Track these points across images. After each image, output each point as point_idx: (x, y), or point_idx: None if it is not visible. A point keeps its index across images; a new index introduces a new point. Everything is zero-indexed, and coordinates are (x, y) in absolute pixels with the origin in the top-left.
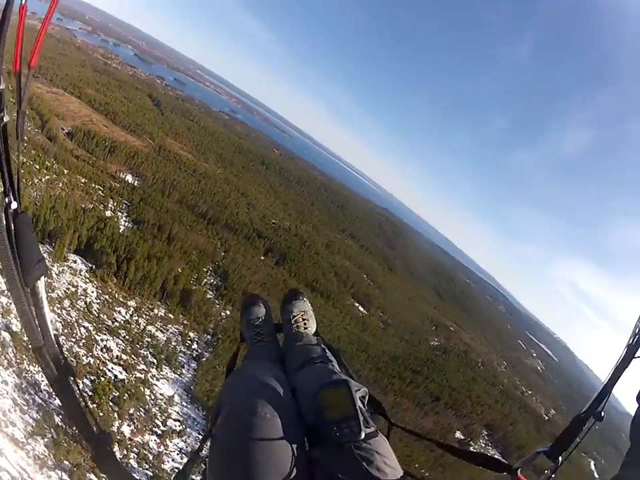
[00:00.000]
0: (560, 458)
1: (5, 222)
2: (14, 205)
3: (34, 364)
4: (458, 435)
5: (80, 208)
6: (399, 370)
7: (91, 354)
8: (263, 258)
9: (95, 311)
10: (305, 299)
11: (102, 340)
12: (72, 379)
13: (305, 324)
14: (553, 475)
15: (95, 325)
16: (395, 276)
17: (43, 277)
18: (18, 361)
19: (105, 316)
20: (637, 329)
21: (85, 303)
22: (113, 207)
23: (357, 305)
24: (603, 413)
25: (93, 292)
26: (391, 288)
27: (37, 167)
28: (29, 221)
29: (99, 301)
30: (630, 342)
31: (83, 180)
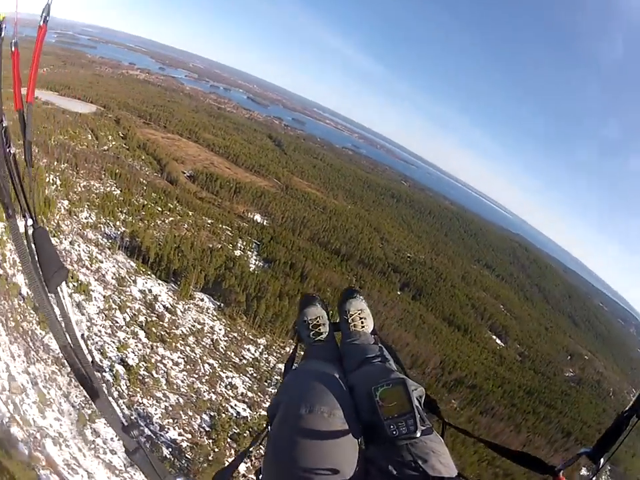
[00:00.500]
0: (602, 459)
1: (25, 237)
2: (30, 222)
3: (148, 397)
4: (584, 471)
5: (207, 248)
6: (533, 405)
7: (213, 390)
8: (399, 293)
9: (222, 348)
10: (361, 297)
11: (227, 377)
12: (98, 374)
13: (362, 322)
14: (594, 477)
15: (220, 362)
16: (532, 305)
17: (64, 282)
18: (130, 393)
19: (233, 353)
20: None
21: (212, 340)
22: (242, 247)
23: (494, 337)
24: None
25: (220, 329)
26: (528, 318)
27: (159, 209)
28: (47, 235)
29: (226, 338)
30: None
31: (209, 221)
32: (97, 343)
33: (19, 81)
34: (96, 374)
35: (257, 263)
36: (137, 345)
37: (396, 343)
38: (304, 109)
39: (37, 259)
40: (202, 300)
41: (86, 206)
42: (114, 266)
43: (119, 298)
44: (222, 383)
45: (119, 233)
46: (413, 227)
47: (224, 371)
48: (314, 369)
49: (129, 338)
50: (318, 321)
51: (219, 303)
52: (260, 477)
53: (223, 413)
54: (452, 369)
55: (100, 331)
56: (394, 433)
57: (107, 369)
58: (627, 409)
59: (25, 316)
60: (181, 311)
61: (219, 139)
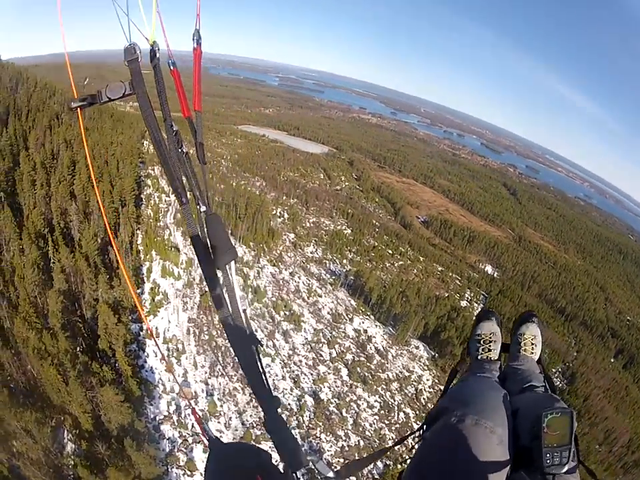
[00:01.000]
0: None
1: (198, 220)
2: (203, 208)
3: (327, 433)
4: None
5: (433, 295)
6: None
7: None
8: (612, 360)
9: (424, 399)
10: (538, 322)
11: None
12: (253, 346)
13: (532, 348)
14: None
15: (417, 413)
16: None
17: (232, 261)
18: (310, 426)
19: (433, 406)
20: None
21: (415, 389)
22: (470, 297)
23: None
24: None
25: (427, 380)
26: None
27: (390, 251)
28: (220, 220)
29: (431, 390)
30: None
31: (439, 268)
32: (293, 371)
33: (183, 94)
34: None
35: None
36: (335, 381)
37: (595, 416)
38: (537, 155)
39: (208, 239)
40: (417, 347)
41: (313, 241)
42: (332, 302)
43: (330, 333)
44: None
45: (344, 270)
46: (636, 287)
47: (418, 422)
48: (483, 382)
49: (329, 373)
50: (491, 338)
51: (433, 353)
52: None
53: (399, 464)
54: (636, 449)
55: (300, 361)
56: (547, 462)
57: (295, 399)
58: None
59: (222, 332)
60: (392, 356)
61: (454, 185)
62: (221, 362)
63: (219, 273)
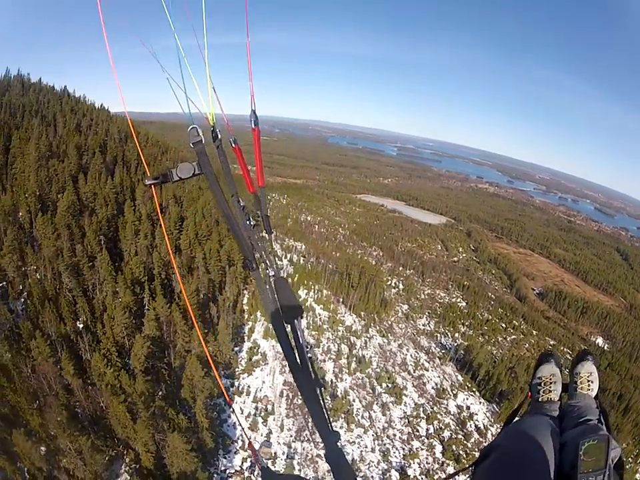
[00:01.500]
0: None
1: (268, 284)
2: (272, 273)
3: None
4: None
5: None
6: None
7: None
8: None
9: None
10: (594, 360)
11: None
12: (318, 388)
13: (589, 385)
14: None
15: None
16: None
17: (299, 316)
18: None
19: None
20: None
21: None
22: None
23: None
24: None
25: None
26: None
27: (503, 325)
28: (286, 281)
29: None
30: None
31: (551, 342)
32: (384, 444)
33: (246, 171)
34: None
35: None
36: (427, 458)
37: None
38: None
39: (277, 298)
40: None
41: (426, 313)
42: (439, 376)
43: (431, 408)
44: None
45: (455, 344)
46: None
47: None
48: (536, 423)
49: (422, 449)
50: (551, 379)
51: None
52: None
53: None
54: None
55: (394, 435)
56: None
57: (380, 472)
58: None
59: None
60: (492, 434)
61: (570, 254)
62: (309, 429)
63: (289, 329)
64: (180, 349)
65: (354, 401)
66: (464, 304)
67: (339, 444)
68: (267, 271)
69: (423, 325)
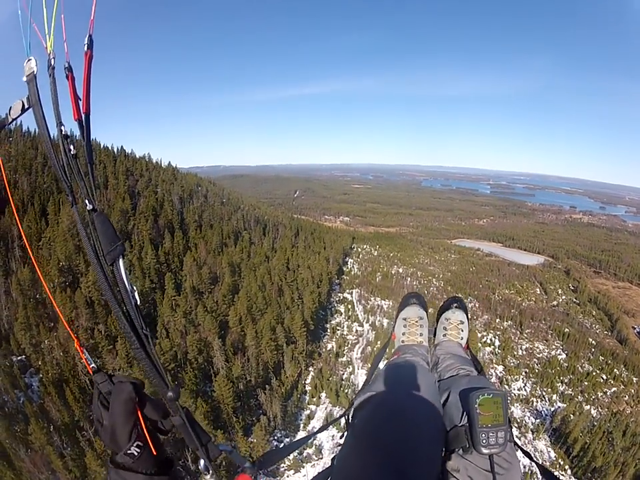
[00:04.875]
0: None
1: (83, 218)
2: (89, 207)
3: None
4: None
5: None
6: None
7: None
8: None
9: None
10: (463, 307)
11: None
12: (144, 333)
13: (458, 332)
14: None
15: None
16: None
17: (120, 255)
18: None
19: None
20: None
21: None
22: None
23: None
24: None
25: None
26: None
27: (604, 376)
28: (106, 216)
29: None
30: None
31: None
32: None
33: (74, 98)
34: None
35: None
36: None
37: None
38: None
39: (96, 237)
40: None
41: (523, 373)
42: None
43: None
44: None
45: (551, 410)
46: None
47: None
48: (409, 365)
49: None
50: (417, 322)
51: None
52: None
53: None
54: None
55: None
56: (484, 442)
57: None
58: None
59: None
60: None
61: None
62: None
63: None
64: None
65: None
66: (564, 356)
67: (178, 402)
68: (85, 205)
69: (518, 390)
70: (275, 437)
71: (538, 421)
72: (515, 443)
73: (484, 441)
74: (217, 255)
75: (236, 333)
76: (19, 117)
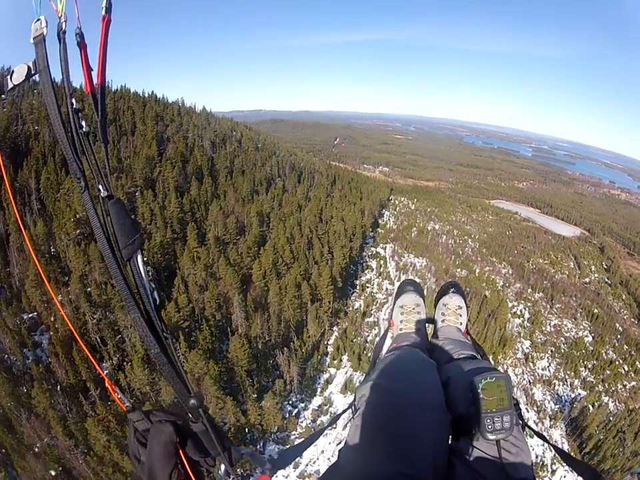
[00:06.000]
0: None
1: (97, 207)
2: (104, 193)
3: None
4: None
5: None
6: None
7: None
8: None
9: None
10: (460, 292)
11: None
12: (164, 336)
13: (456, 318)
14: None
15: None
16: None
17: (139, 250)
18: None
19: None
20: None
21: None
22: None
23: None
24: None
25: None
26: None
27: (625, 368)
28: (123, 205)
29: None
30: None
31: None
32: None
33: (87, 68)
34: (167, 342)
35: None
36: None
37: None
38: None
39: (111, 228)
40: None
41: (549, 352)
42: (543, 444)
43: None
44: None
45: (571, 396)
46: None
47: None
48: (410, 354)
49: None
50: (414, 309)
51: None
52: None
53: None
54: None
55: None
56: (489, 427)
57: None
58: None
59: None
60: None
61: None
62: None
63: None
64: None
65: None
66: (590, 338)
67: (201, 410)
68: (99, 191)
69: (542, 369)
70: (290, 402)
71: (557, 406)
72: (526, 425)
73: (489, 427)
74: (246, 203)
75: (259, 288)
76: (22, 82)
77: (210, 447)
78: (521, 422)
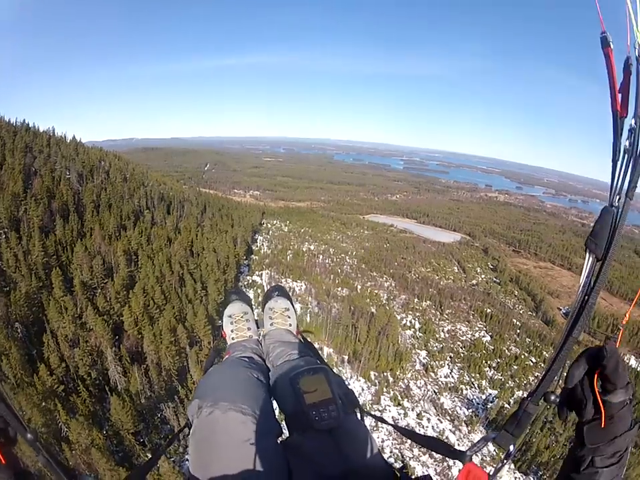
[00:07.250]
0: (512, 446)
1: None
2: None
3: None
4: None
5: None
6: None
7: None
8: None
9: None
10: (286, 295)
11: None
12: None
13: (284, 320)
14: (506, 462)
15: None
16: None
17: None
18: None
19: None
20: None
21: None
22: None
23: None
24: (553, 396)
25: None
26: None
27: (533, 359)
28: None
29: None
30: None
31: None
32: None
33: None
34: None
35: None
36: None
37: None
38: None
39: None
40: None
41: (448, 358)
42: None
43: None
44: None
45: (482, 398)
46: None
47: None
48: (233, 366)
49: None
50: (242, 317)
51: None
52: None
53: None
54: None
55: None
56: (316, 418)
57: None
58: (530, 392)
59: None
60: None
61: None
62: None
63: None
64: None
65: None
66: (488, 338)
67: (38, 443)
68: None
69: (445, 377)
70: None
71: (470, 411)
72: (363, 411)
73: (317, 418)
74: (113, 240)
75: (133, 336)
76: None
77: (56, 478)
78: (357, 410)
